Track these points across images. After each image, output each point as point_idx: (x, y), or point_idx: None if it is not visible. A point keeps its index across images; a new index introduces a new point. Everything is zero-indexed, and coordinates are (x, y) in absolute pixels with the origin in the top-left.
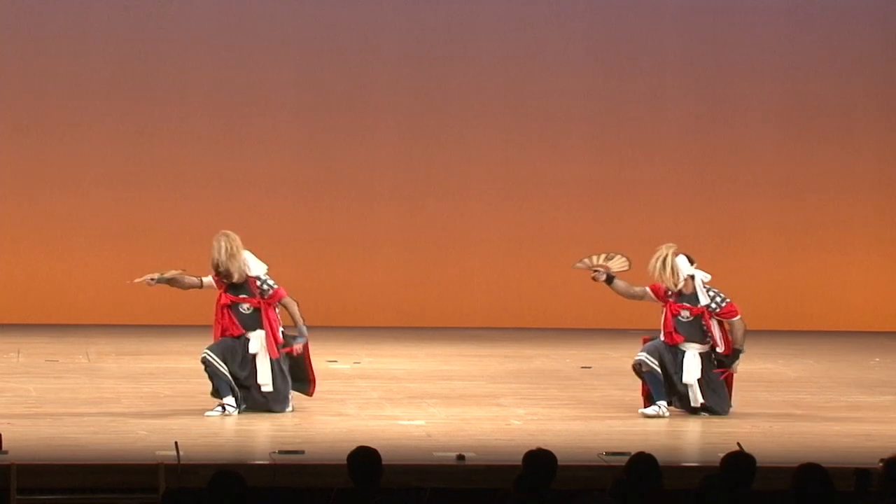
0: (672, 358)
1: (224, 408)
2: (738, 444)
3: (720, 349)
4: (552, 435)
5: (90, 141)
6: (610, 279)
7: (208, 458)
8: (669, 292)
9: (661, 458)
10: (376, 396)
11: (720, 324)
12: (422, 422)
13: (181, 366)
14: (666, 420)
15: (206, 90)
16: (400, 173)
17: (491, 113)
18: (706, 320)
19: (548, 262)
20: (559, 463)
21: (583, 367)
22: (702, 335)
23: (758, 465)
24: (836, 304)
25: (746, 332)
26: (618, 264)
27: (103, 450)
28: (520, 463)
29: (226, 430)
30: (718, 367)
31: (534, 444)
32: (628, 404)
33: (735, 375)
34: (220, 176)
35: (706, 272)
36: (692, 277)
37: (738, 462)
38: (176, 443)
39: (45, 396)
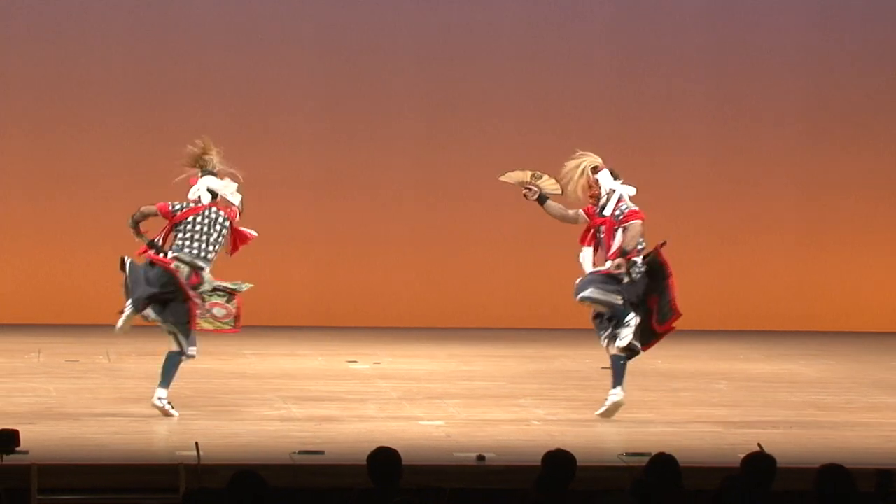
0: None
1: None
2: (759, 444)
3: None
4: (572, 436)
5: (105, 141)
6: (542, 199)
7: (228, 458)
8: (597, 210)
9: (680, 458)
10: (396, 397)
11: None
12: (441, 422)
13: (201, 366)
14: (687, 421)
15: (221, 90)
16: (417, 173)
17: (508, 113)
18: (608, 230)
19: (567, 262)
20: (579, 464)
21: (603, 368)
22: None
23: (778, 465)
24: (855, 305)
25: (638, 237)
26: (549, 185)
27: (124, 450)
28: (540, 463)
29: (246, 430)
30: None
31: (554, 445)
32: (649, 405)
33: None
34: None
35: (632, 186)
36: (613, 191)
37: (759, 463)
38: (196, 443)
39: (65, 397)
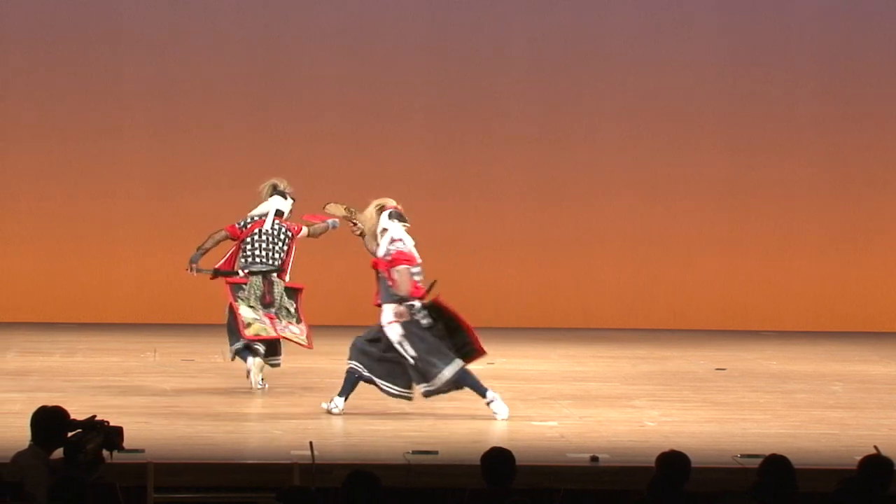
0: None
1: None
2: (875, 447)
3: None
4: (686, 437)
5: (220, 142)
6: (363, 234)
7: (343, 457)
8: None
9: (796, 460)
10: (510, 397)
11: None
12: (555, 423)
13: (316, 365)
14: (802, 422)
15: (335, 92)
16: (530, 173)
17: (621, 113)
18: (383, 269)
19: (680, 263)
20: (693, 465)
21: (717, 369)
22: (386, 291)
23: None
24: None
25: (409, 282)
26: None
27: (238, 449)
28: (653, 464)
29: (360, 429)
30: None
31: (668, 446)
32: (763, 406)
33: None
34: (348, 176)
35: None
36: (385, 230)
37: (876, 465)
38: (311, 442)
39: (181, 395)
